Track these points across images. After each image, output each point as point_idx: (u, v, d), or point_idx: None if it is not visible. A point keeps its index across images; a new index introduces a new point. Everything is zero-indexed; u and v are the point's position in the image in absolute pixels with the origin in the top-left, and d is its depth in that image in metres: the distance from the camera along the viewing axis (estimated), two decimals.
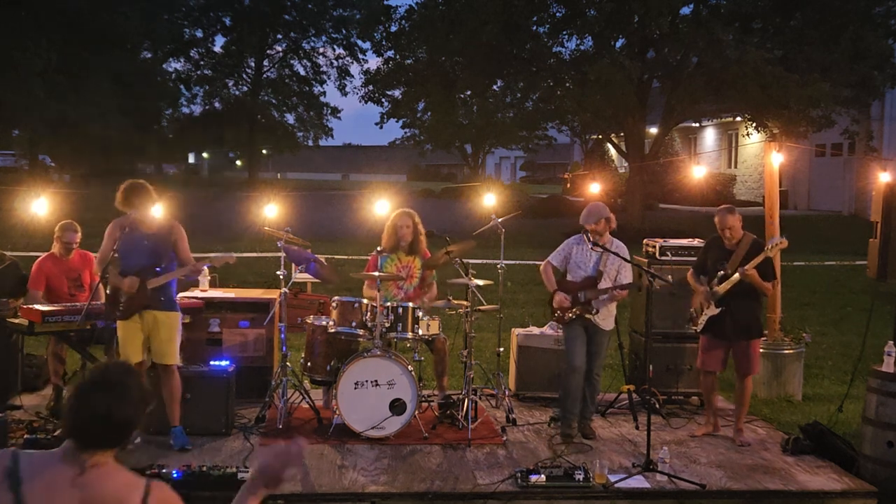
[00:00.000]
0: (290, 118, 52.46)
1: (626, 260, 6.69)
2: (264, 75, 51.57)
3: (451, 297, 7.08)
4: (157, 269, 6.09)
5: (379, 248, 7.25)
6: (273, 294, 7.67)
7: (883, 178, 7.09)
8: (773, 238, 6.97)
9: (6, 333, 6.99)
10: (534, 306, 11.83)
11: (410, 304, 6.79)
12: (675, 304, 7.53)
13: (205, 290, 7.80)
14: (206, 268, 7.20)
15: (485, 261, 11.24)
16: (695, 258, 7.19)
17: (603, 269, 6.69)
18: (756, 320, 6.76)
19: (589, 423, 6.83)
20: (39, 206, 7.94)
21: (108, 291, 6.08)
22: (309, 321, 7.01)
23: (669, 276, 6.74)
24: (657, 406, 7.25)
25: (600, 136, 31.25)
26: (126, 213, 6.11)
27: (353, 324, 6.75)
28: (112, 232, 6.10)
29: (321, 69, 51.30)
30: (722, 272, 6.65)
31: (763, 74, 18.99)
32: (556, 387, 7.17)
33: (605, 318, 6.72)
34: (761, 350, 8.15)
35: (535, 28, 23.30)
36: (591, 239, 6.64)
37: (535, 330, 8.03)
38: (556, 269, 6.90)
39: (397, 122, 36.56)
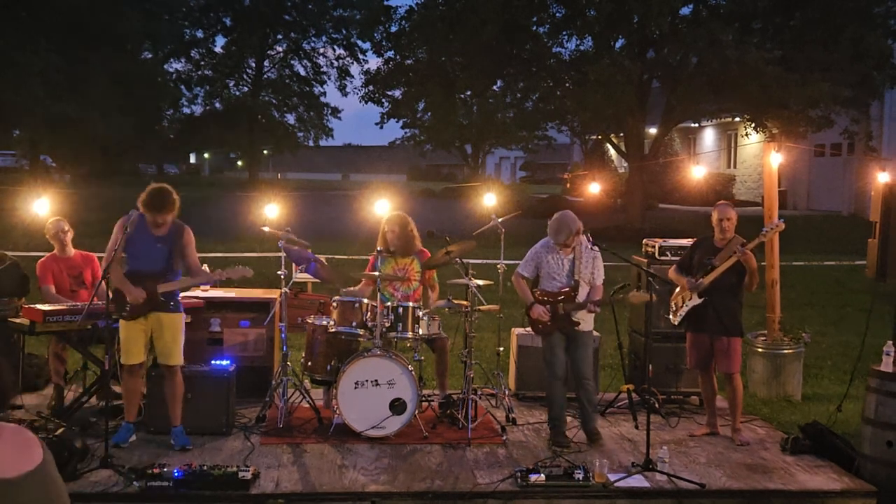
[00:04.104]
0: (291, 118, 52.72)
1: (604, 249, 6.50)
2: (265, 76, 51.75)
3: (451, 297, 7.09)
4: (169, 273, 6.09)
5: (379, 249, 7.26)
6: (273, 294, 7.68)
7: (882, 178, 7.10)
8: (769, 223, 6.99)
9: (7, 333, 7.01)
10: None
11: (411, 304, 6.81)
12: None
13: (205, 290, 7.80)
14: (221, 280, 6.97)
15: (485, 261, 11.23)
16: None
17: (578, 277, 6.56)
18: (735, 319, 6.76)
19: (592, 426, 6.65)
20: (40, 206, 7.96)
21: (111, 290, 5.93)
22: (309, 321, 7.02)
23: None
24: (657, 406, 7.26)
25: (600, 137, 31.25)
26: (138, 210, 6.02)
27: (354, 323, 6.76)
28: (120, 228, 6.03)
29: (321, 69, 51.57)
30: (709, 266, 6.67)
31: (763, 74, 19.00)
32: None
33: (585, 319, 6.64)
34: (760, 350, 8.20)
35: (535, 28, 23.33)
36: (592, 244, 6.48)
37: None
38: (526, 279, 6.75)
39: (397, 122, 36.57)
